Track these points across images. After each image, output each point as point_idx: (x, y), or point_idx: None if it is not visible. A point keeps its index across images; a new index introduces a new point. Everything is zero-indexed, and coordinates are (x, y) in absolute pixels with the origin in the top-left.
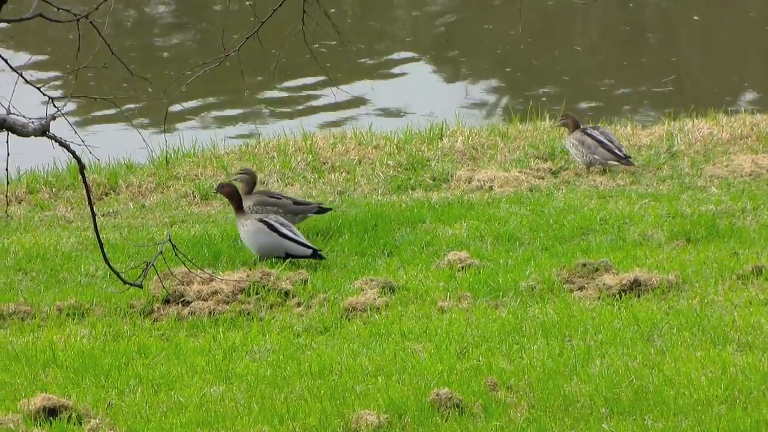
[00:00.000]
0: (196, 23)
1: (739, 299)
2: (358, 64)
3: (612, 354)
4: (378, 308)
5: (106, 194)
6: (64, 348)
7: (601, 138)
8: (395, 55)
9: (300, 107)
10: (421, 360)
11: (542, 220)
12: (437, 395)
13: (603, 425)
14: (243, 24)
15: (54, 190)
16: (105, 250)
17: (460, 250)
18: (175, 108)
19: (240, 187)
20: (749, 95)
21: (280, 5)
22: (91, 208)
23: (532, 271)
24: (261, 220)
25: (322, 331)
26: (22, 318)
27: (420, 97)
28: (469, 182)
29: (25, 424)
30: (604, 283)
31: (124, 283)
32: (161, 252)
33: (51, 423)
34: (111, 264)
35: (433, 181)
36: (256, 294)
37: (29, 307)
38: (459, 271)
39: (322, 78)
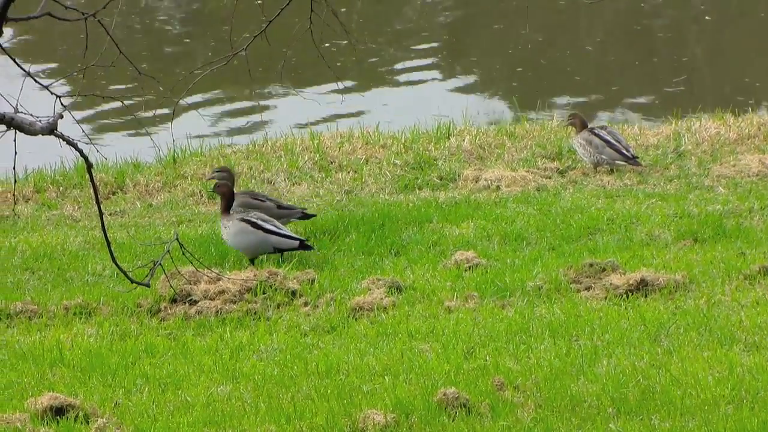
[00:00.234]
0: (206, 30)
1: (746, 299)
2: (369, 64)
3: (619, 354)
4: (385, 308)
5: (114, 193)
6: (71, 347)
7: (609, 138)
8: (403, 55)
9: (312, 112)
10: (428, 360)
11: (549, 220)
12: (444, 395)
13: (610, 425)
14: (256, 25)
15: (61, 189)
16: (112, 249)
17: (467, 249)
18: (184, 102)
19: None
20: (761, 95)
21: (288, 4)
22: (99, 207)
23: (539, 270)
24: (243, 220)
25: (329, 330)
26: (30, 317)
27: (428, 97)
28: (476, 182)
29: (32, 423)
30: (611, 283)
31: (132, 282)
32: (168, 251)
33: (58, 422)
34: (118, 263)
35: (441, 180)
36: (263, 293)
37: (36, 306)
38: (466, 270)
39: (338, 86)
